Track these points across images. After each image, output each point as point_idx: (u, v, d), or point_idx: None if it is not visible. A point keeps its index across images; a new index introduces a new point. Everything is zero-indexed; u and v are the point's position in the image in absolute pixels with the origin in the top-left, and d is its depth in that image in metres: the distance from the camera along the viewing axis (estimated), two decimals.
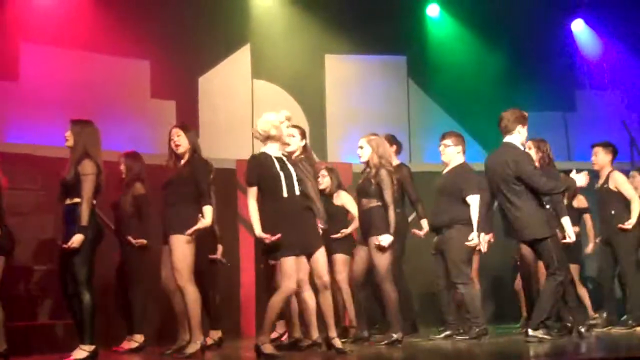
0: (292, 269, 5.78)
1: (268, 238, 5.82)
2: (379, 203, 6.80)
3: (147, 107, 9.48)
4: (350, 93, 10.68)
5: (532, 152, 7.59)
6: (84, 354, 6.00)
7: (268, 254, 6.03)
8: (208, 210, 6.21)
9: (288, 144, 6.25)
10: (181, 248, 6.15)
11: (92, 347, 6.04)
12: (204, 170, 6.41)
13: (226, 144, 9.72)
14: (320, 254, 6.04)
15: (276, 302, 5.82)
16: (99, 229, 6.23)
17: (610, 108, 11.11)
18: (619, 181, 7.85)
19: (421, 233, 7.94)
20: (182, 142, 6.46)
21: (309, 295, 6.29)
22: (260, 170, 5.92)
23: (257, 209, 5.90)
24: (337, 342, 6.03)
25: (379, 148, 6.94)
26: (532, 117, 10.67)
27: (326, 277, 6.05)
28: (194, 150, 6.46)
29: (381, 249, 6.70)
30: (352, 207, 7.47)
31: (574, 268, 8.87)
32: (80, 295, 6.06)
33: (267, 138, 6.03)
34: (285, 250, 5.80)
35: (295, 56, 10.36)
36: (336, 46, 10.60)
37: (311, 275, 6.13)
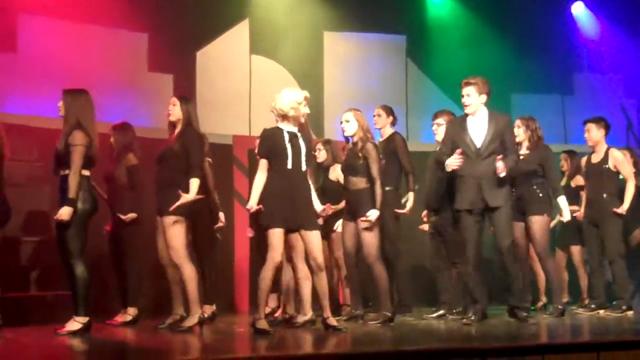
0: (278, 241, 5.84)
1: (251, 208, 5.93)
2: (368, 185, 6.80)
3: (144, 80, 9.44)
4: (349, 71, 10.65)
5: (521, 131, 7.59)
6: (78, 326, 6.02)
7: (259, 224, 6.07)
8: (194, 184, 6.22)
9: (303, 123, 6.21)
10: (171, 228, 6.20)
11: (86, 319, 6.05)
12: (196, 144, 6.39)
13: (223, 119, 9.71)
14: (314, 235, 6.01)
15: (265, 275, 5.86)
16: (93, 201, 6.21)
17: (608, 92, 11.11)
18: (619, 159, 7.76)
19: (406, 210, 7.72)
20: (174, 111, 6.51)
21: (304, 272, 6.34)
22: (269, 143, 5.98)
23: (262, 182, 5.96)
24: (332, 321, 6.06)
25: (364, 122, 6.96)
26: (530, 98, 10.87)
27: (320, 259, 6.03)
28: (188, 122, 6.45)
29: (370, 226, 6.71)
30: None
31: (575, 249, 8.93)
32: (73, 267, 6.06)
33: (284, 117, 6.06)
34: (273, 221, 5.86)
35: (294, 32, 10.32)
36: (336, 23, 10.56)
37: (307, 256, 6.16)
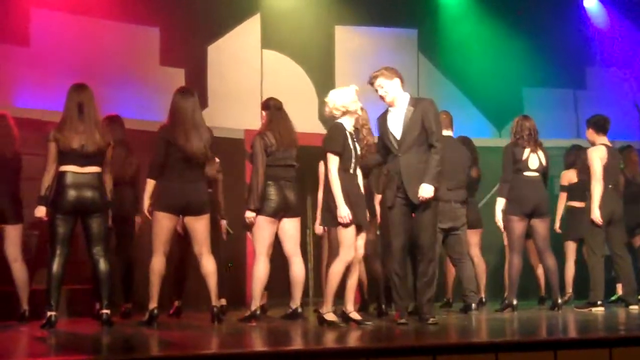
0: (352, 238, 5.87)
1: (344, 219, 5.80)
2: None
3: (156, 74, 9.47)
4: (360, 65, 10.60)
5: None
6: (45, 320, 6.07)
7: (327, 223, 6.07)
8: (147, 185, 6.31)
9: (359, 115, 6.27)
10: (152, 221, 6.31)
11: (49, 314, 6.04)
12: (157, 142, 6.37)
13: (234, 113, 9.72)
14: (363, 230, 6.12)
15: (337, 271, 5.89)
16: (69, 195, 6.12)
17: (620, 86, 11.08)
18: (587, 157, 7.74)
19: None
20: None
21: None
22: (342, 140, 5.93)
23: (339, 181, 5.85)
24: (355, 315, 6.11)
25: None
26: (542, 93, 10.83)
27: (361, 251, 6.12)
28: (168, 117, 6.45)
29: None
30: None
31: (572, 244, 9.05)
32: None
33: (345, 113, 6.02)
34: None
35: (305, 27, 10.33)
36: (347, 17, 10.57)
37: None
